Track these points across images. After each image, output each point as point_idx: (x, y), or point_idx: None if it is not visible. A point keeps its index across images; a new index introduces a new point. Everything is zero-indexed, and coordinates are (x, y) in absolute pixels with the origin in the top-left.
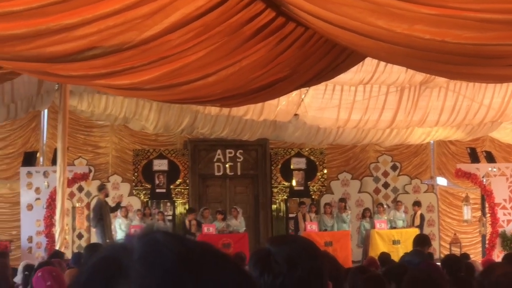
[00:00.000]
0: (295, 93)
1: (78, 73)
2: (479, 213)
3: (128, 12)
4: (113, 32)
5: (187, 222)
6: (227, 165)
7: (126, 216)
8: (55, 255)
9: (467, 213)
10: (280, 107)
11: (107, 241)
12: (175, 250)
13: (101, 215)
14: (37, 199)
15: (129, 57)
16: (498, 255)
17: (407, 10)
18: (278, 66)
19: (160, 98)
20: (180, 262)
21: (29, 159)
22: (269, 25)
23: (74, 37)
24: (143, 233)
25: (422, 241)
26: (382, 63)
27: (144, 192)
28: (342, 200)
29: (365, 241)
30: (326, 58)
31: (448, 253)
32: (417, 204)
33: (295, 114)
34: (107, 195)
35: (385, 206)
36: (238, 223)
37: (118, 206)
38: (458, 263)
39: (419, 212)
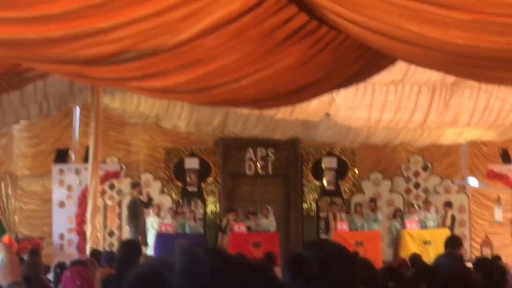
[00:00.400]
0: None
1: (112, 76)
2: (510, 215)
3: (162, 16)
4: (147, 35)
5: (225, 220)
6: (258, 164)
7: (158, 215)
8: (93, 254)
9: (498, 214)
10: (311, 106)
11: (140, 238)
12: (214, 265)
13: (135, 213)
14: (69, 196)
15: (163, 60)
16: None
17: (441, 15)
18: (311, 69)
19: (193, 101)
20: (218, 277)
21: (61, 156)
22: (302, 29)
23: (108, 40)
24: (185, 248)
25: (454, 242)
26: None
27: (175, 190)
28: (372, 200)
29: (396, 242)
30: (359, 61)
31: (479, 254)
32: (448, 204)
33: (327, 114)
34: (140, 193)
35: (416, 206)
36: (269, 222)
37: (150, 202)
38: (490, 266)
39: (450, 213)
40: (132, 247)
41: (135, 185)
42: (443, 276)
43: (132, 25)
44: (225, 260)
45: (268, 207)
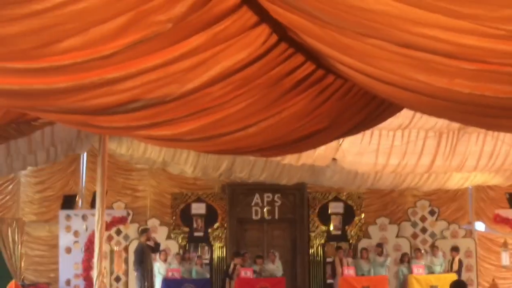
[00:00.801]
0: None
1: (120, 125)
2: None
3: (170, 66)
4: (155, 85)
5: (232, 265)
6: (265, 209)
7: (165, 260)
8: None
9: (505, 258)
10: (318, 152)
11: (146, 284)
12: None
13: (142, 259)
14: (76, 242)
15: (170, 109)
16: None
17: (447, 65)
18: (318, 117)
19: (200, 149)
20: None
21: (68, 202)
22: (309, 77)
23: (117, 90)
24: None
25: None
26: None
27: (182, 235)
28: (379, 245)
29: (403, 286)
30: (366, 109)
31: None
32: (455, 249)
33: (333, 159)
34: (148, 239)
35: (422, 251)
36: (276, 267)
37: (158, 247)
38: None
39: (457, 258)
40: None
41: (144, 230)
42: None
43: (140, 76)
44: None
45: (274, 252)
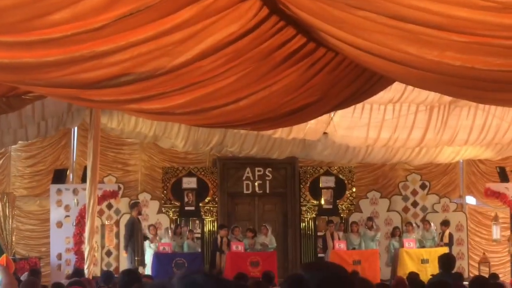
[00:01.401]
0: None
1: (110, 98)
2: (508, 233)
3: (160, 39)
4: (145, 58)
5: (218, 239)
6: (256, 183)
7: (155, 234)
8: (75, 274)
9: (496, 232)
10: (309, 125)
11: (136, 258)
12: None
13: (133, 233)
14: (67, 216)
15: (161, 82)
16: None
17: (438, 37)
18: (309, 90)
19: (191, 123)
20: None
21: (59, 176)
22: (300, 50)
23: (107, 64)
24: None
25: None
26: None
27: (173, 210)
28: (370, 218)
29: (394, 260)
30: (357, 82)
31: (477, 273)
32: (445, 223)
33: (324, 133)
34: (139, 213)
35: (414, 225)
36: (268, 240)
37: (146, 238)
38: (486, 285)
39: (447, 232)
40: (131, 278)
41: (134, 204)
42: None
43: (131, 49)
44: (224, 287)
45: (267, 225)
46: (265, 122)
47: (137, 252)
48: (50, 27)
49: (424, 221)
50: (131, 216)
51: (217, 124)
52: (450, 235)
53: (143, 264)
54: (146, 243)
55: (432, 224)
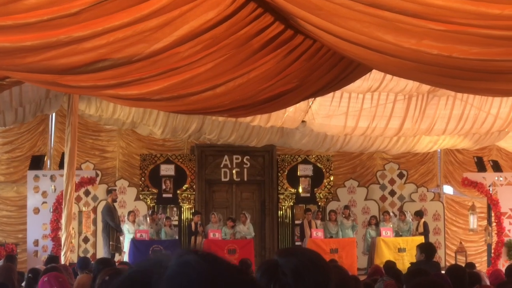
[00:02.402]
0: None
1: (87, 84)
2: (485, 222)
3: (137, 25)
4: (122, 44)
5: (193, 224)
6: (233, 171)
7: (133, 222)
8: (50, 260)
9: (473, 222)
10: (287, 114)
11: (111, 243)
12: (203, 273)
13: (109, 219)
14: (44, 202)
15: (138, 68)
16: (503, 264)
17: (415, 25)
18: (286, 77)
19: (168, 109)
20: (206, 286)
21: (37, 162)
22: (278, 38)
23: (83, 49)
24: (181, 251)
25: (428, 252)
26: None
27: (150, 197)
28: (346, 207)
29: (371, 249)
30: (334, 70)
31: (454, 262)
32: (418, 214)
33: (303, 121)
34: (115, 200)
35: (391, 214)
36: (246, 229)
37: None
38: (462, 273)
39: (421, 221)
40: (106, 266)
41: (109, 190)
42: (416, 281)
43: (107, 34)
44: (217, 268)
45: (246, 213)
46: (242, 108)
47: (112, 238)
48: (26, 11)
49: (400, 212)
50: (106, 202)
51: (194, 111)
52: (425, 224)
53: (118, 250)
54: (125, 228)
55: (407, 215)
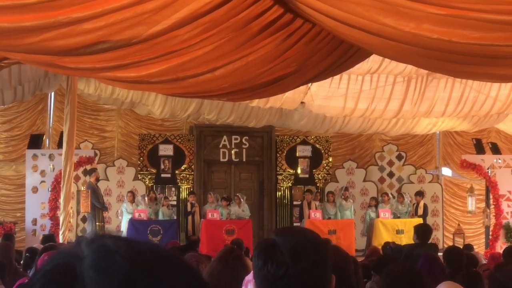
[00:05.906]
0: None
1: (86, 66)
2: (483, 204)
3: (137, 7)
4: (121, 26)
5: (189, 205)
6: (232, 151)
7: (132, 201)
8: (47, 239)
9: (471, 204)
10: (286, 95)
11: (97, 224)
12: (126, 255)
13: (93, 199)
14: (42, 181)
15: (136, 51)
16: (501, 247)
17: (415, 9)
18: (285, 61)
19: (166, 91)
20: (133, 267)
21: (35, 141)
22: (277, 21)
23: (82, 30)
24: (91, 238)
25: (424, 234)
26: None
27: (149, 176)
28: (346, 189)
29: (369, 230)
30: (333, 54)
31: (452, 244)
32: (419, 194)
33: (302, 102)
34: (97, 179)
35: (389, 195)
36: (241, 211)
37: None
38: (459, 255)
39: (422, 203)
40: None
41: (91, 170)
42: (390, 268)
43: (107, 16)
44: (137, 248)
45: (240, 195)
46: (241, 92)
47: (98, 218)
48: None
49: (398, 194)
50: (89, 182)
51: (193, 94)
52: (425, 206)
53: (103, 230)
54: (123, 208)
55: (405, 197)
